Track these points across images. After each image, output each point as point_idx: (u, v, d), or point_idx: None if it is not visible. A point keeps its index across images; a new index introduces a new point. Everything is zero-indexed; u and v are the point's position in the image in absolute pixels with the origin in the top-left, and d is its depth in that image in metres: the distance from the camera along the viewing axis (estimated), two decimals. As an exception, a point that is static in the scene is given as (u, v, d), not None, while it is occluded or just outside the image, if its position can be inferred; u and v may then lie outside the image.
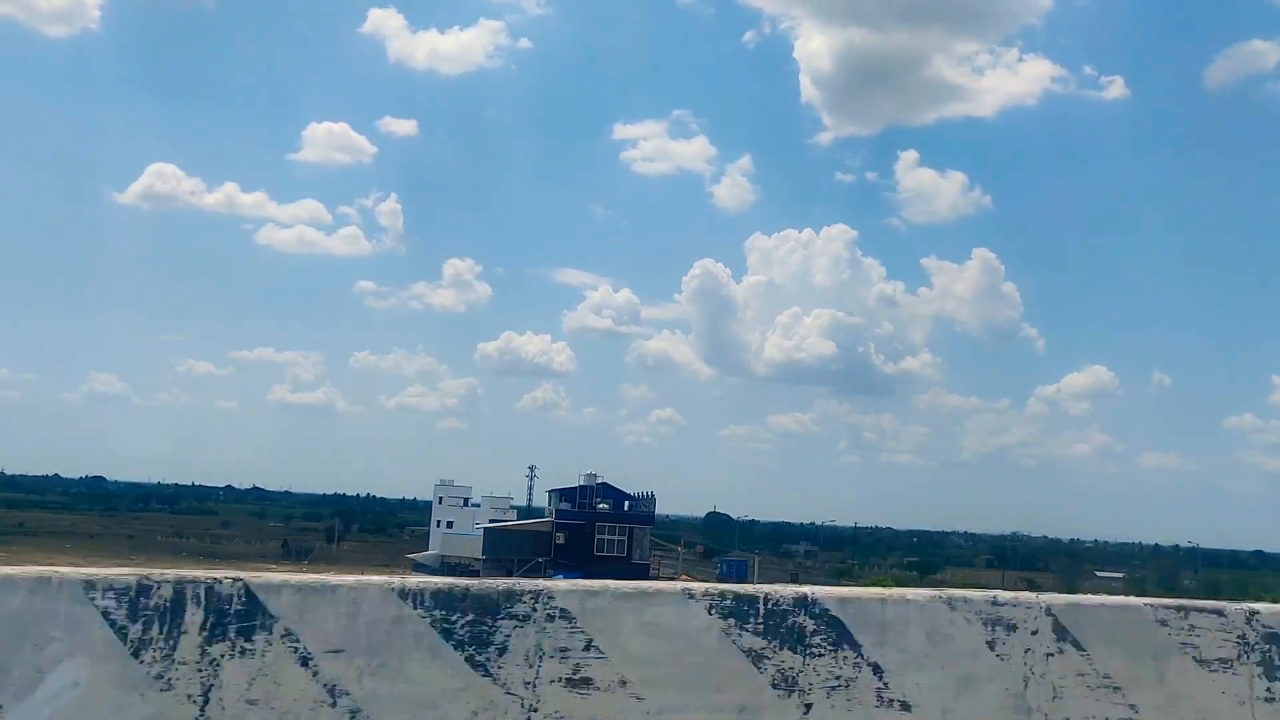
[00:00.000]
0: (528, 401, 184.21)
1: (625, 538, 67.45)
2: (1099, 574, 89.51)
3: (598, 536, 66.71)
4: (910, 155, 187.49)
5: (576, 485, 70.49)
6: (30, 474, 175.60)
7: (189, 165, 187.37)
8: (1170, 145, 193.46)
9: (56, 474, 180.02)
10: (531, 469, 79.30)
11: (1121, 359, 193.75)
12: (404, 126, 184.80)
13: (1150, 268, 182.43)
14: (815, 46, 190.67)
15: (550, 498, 72.62)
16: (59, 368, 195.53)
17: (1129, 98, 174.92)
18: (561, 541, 66.04)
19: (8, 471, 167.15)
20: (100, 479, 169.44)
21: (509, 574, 42.29)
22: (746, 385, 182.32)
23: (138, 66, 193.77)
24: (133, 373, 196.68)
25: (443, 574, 26.87)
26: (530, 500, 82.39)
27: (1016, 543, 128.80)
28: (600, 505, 68.63)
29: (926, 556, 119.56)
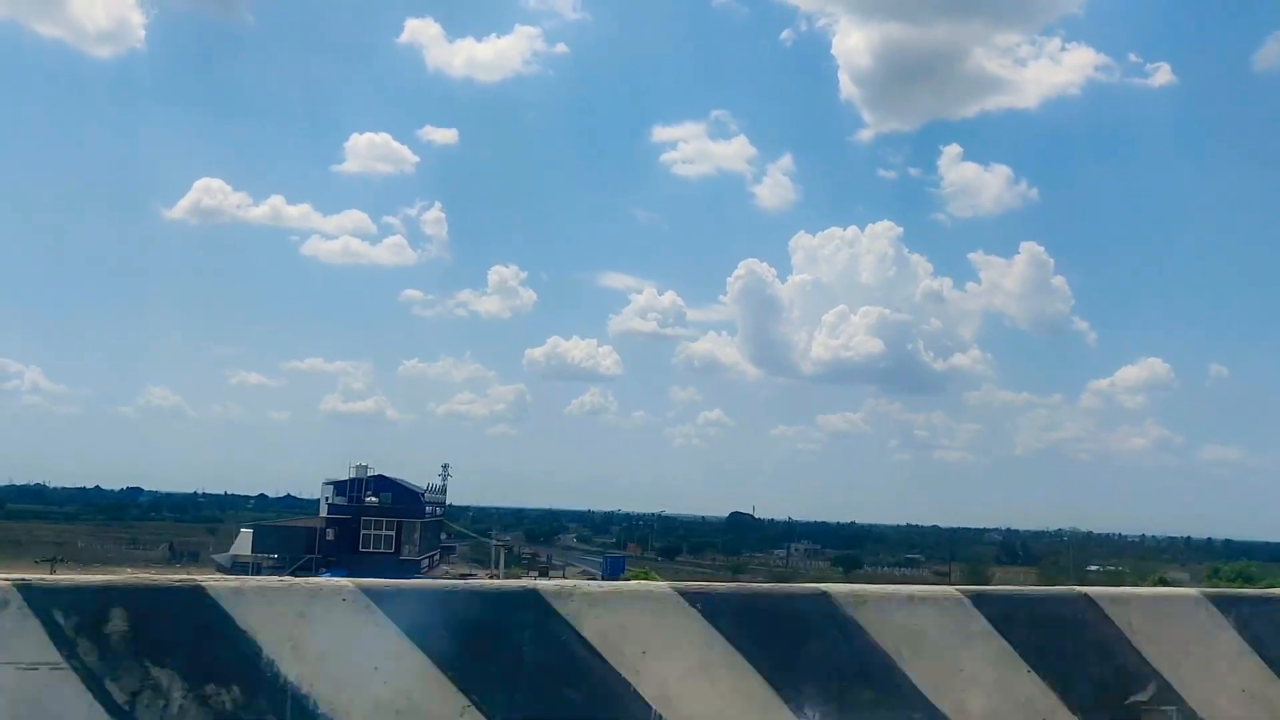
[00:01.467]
0: (576, 406, 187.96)
1: (394, 532, 64.43)
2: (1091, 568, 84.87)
3: (364, 531, 63.94)
4: (953, 150, 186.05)
5: (349, 478, 66.22)
6: (74, 486, 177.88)
7: (235, 179, 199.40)
8: (1219, 132, 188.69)
9: (98, 486, 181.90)
10: (445, 467, 75.69)
11: (1176, 351, 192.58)
12: (445, 135, 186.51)
13: (1202, 257, 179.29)
14: (853, 43, 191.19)
15: (324, 490, 69.09)
16: (115, 382, 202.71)
17: (1176, 85, 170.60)
18: (331, 537, 63.17)
19: (52, 485, 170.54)
20: (138, 489, 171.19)
21: (283, 572, 41.36)
22: (794, 385, 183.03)
23: (183, 83, 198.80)
24: (187, 385, 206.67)
25: (234, 573, 24.89)
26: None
27: (1056, 540, 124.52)
28: (370, 499, 65.31)
29: (935, 554, 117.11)
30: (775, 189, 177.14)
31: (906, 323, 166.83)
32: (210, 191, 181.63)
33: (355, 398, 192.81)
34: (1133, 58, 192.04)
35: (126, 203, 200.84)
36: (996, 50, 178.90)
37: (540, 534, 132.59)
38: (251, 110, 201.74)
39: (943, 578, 78.62)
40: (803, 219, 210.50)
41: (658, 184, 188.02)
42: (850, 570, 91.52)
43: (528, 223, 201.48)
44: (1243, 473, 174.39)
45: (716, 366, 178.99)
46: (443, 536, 77.15)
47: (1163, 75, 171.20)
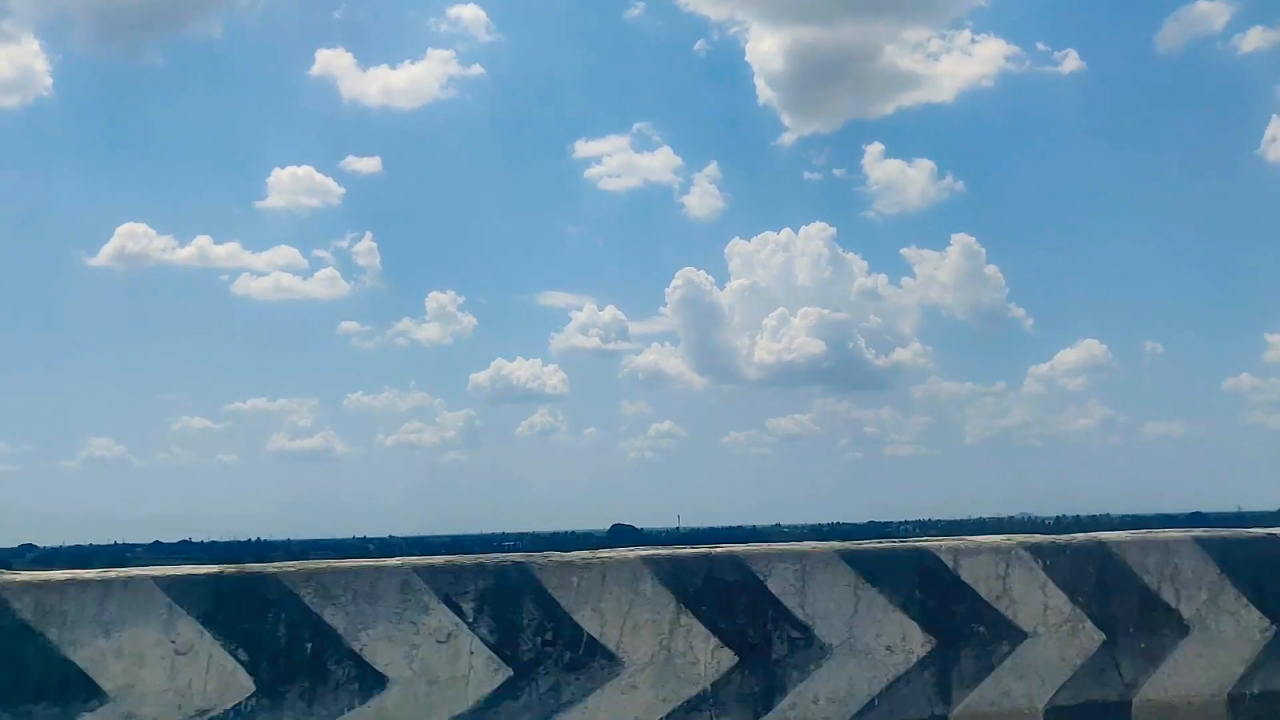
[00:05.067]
0: (525, 428, 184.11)
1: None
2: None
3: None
4: (875, 148, 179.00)
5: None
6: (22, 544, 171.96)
7: (159, 223, 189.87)
8: (1130, 113, 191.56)
9: (30, 543, 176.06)
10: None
11: (1112, 331, 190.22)
12: (368, 165, 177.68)
13: (1128, 236, 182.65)
14: (765, 48, 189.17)
15: None
16: (56, 436, 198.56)
17: (1085, 70, 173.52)
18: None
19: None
20: (30, 546, 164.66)
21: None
22: (741, 391, 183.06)
23: (95, 129, 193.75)
24: (130, 434, 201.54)
25: None
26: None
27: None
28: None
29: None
30: (704, 197, 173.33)
31: (846, 321, 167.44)
32: (134, 236, 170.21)
33: (302, 435, 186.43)
34: (1041, 46, 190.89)
35: (48, 254, 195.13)
36: (907, 46, 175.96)
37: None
38: (169, 152, 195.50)
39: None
40: (734, 225, 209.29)
41: (586, 199, 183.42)
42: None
43: (460, 247, 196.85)
44: (1186, 446, 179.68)
45: (662, 378, 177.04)
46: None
47: (1071, 62, 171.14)
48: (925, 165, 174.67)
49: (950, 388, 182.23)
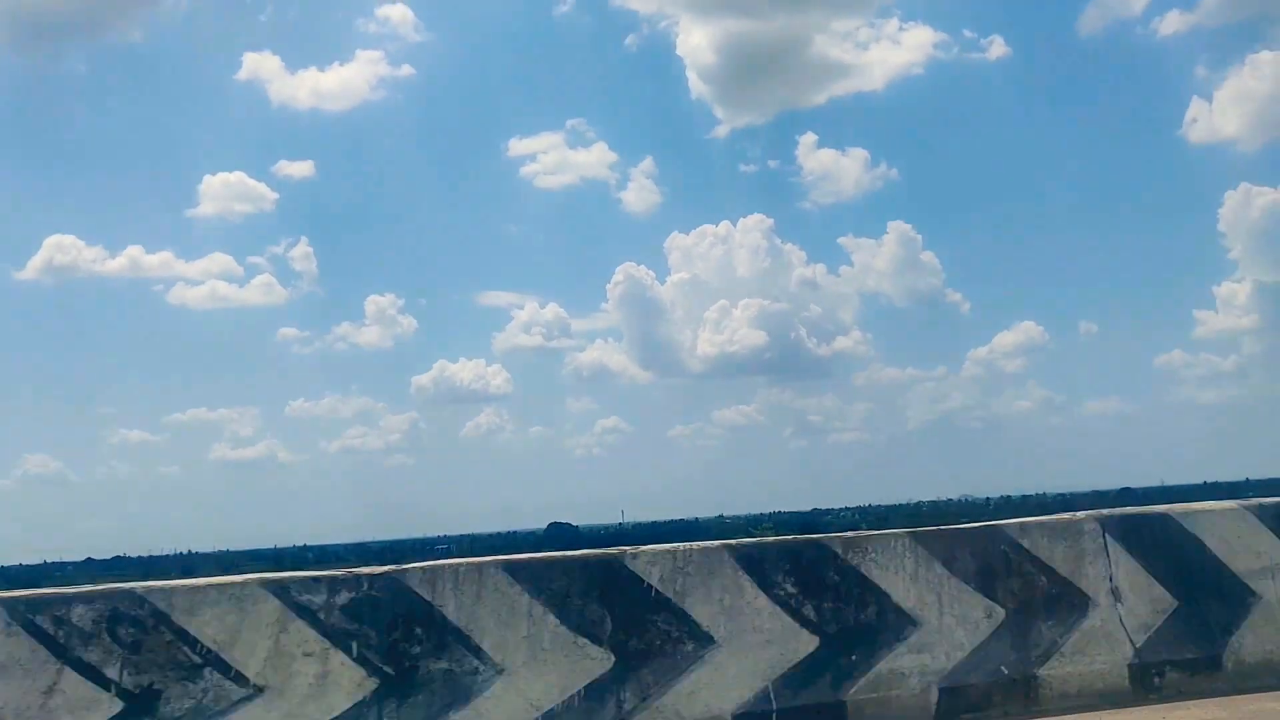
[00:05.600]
0: (471, 429, 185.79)
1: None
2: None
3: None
4: (809, 138, 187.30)
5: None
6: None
7: (88, 234, 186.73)
8: (1056, 96, 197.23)
9: None
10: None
11: (1047, 312, 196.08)
12: (300, 169, 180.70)
13: (1060, 218, 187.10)
14: (696, 41, 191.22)
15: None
16: None
17: (1010, 55, 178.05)
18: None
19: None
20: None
21: None
22: (685, 384, 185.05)
23: (18, 140, 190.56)
24: (67, 450, 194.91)
25: None
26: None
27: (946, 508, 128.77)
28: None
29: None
30: (641, 192, 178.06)
31: (786, 311, 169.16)
32: (62, 248, 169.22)
33: (244, 444, 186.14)
34: (967, 33, 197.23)
35: None
36: (837, 36, 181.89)
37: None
38: (95, 161, 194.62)
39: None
40: (673, 219, 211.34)
41: (523, 197, 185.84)
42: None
43: (398, 249, 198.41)
44: (1122, 423, 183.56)
45: (606, 374, 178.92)
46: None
47: (997, 48, 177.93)
48: (859, 154, 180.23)
49: (891, 374, 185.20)
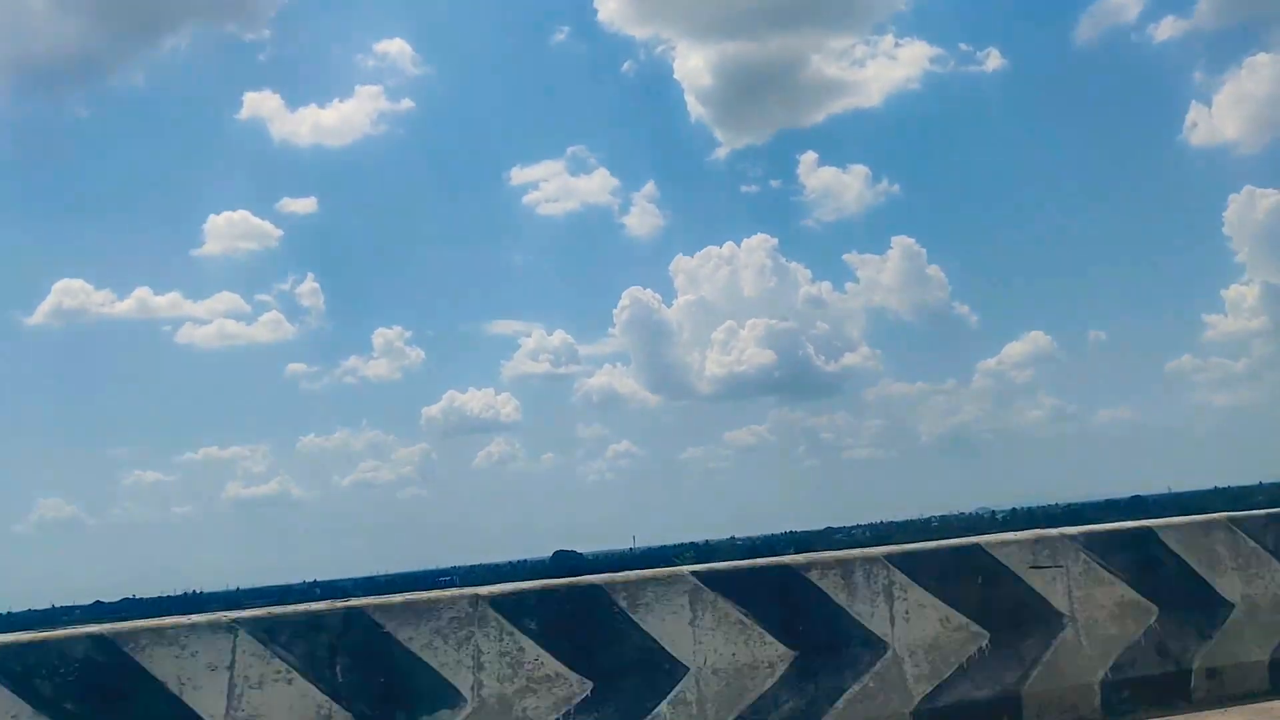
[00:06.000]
0: (483, 458, 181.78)
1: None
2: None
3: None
4: (809, 156, 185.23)
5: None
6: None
7: (95, 277, 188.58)
8: (1055, 106, 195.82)
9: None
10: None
11: (1055, 321, 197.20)
12: (304, 205, 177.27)
13: (1063, 228, 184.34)
14: (693, 65, 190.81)
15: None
16: (4, 501, 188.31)
17: (1007, 67, 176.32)
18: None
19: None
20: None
21: None
22: (695, 406, 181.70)
23: (23, 187, 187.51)
24: (80, 493, 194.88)
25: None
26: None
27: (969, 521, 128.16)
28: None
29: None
30: (643, 216, 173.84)
31: (794, 330, 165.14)
32: (71, 293, 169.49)
33: (257, 481, 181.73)
34: (963, 46, 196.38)
35: None
36: (833, 55, 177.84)
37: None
38: (100, 206, 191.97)
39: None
40: (677, 242, 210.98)
41: (526, 226, 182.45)
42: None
43: (404, 281, 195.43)
44: (1135, 429, 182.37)
45: (616, 399, 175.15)
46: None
47: (994, 60, 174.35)
48: (859, 170, 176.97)
49: (901, 388, 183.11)
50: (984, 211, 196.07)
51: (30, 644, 3.96)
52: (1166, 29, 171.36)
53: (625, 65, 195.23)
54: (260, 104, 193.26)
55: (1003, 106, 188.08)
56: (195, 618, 4.19)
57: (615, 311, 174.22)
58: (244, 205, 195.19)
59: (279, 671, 4.11)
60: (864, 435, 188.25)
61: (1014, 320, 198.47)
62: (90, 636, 4.00)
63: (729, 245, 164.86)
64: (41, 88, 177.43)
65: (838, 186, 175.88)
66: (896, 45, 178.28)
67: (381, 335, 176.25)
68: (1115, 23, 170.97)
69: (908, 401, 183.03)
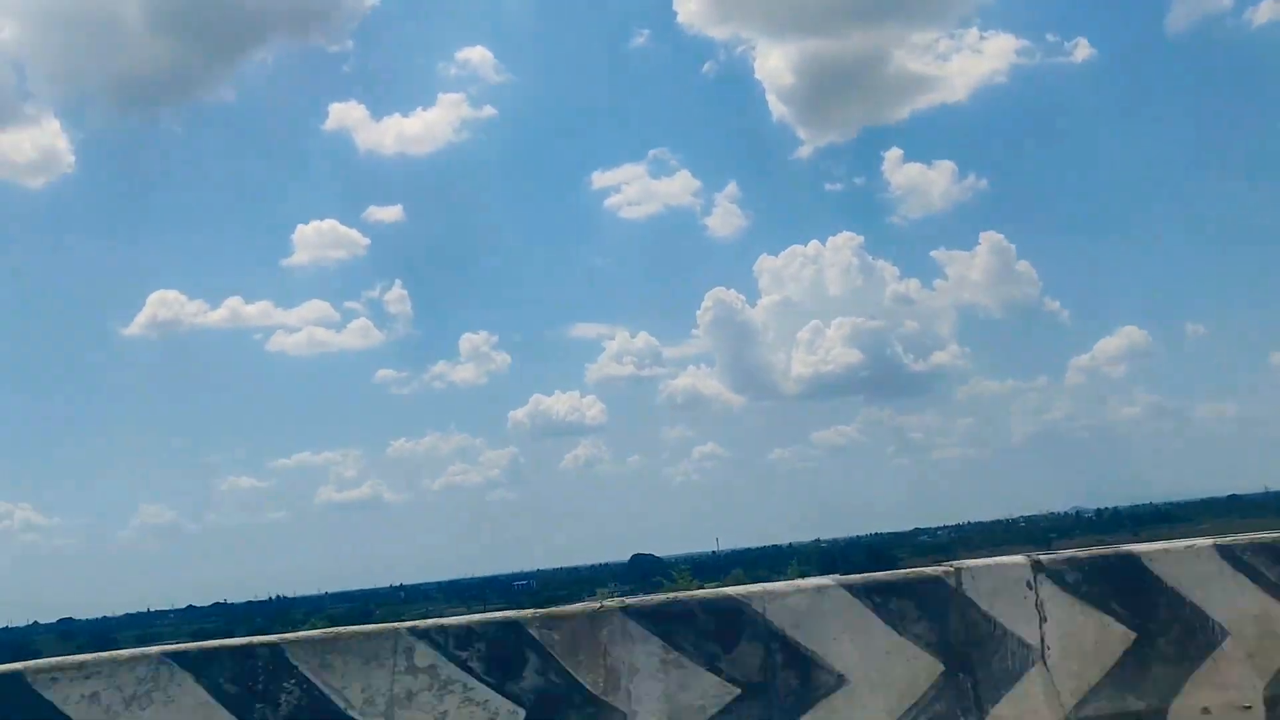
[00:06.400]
0: (570, 460, 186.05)
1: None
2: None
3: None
4: (894, 153, 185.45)
5: None
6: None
7: (189, 288, 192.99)
8: (1147, 96, 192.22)
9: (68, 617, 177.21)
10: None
11: (1149, 315, 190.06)
12: (390, 213, 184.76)
13: (1156, 220, 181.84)
14: (774, 64, 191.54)
15: None
16: (108, 508, 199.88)
17: (1096, 57, 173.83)
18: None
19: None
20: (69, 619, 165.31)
21: None
22: (781, 406, 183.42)
23: (119, 201, 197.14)
24: (179, 499, 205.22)
25: None
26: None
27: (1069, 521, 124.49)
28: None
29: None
30: (726, 217, 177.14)
31: (881, 329, 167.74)
32: (166, 303, 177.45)
33: (349, 485, 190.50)
34: (1050, 37, 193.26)
35: (83, 327, 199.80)
36: (916, 49, 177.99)
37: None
38: (193, 218, 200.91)
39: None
40: (760, 242, 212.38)
41: (609, 229, 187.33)
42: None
43: (489, 287, 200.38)
44: (1240, 425, 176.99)
45: (700, 400, 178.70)
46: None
47: (1082, 50, 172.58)
48: (946, 166, 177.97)
49: (992, 386, 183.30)
50: (1073, 204, 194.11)
51: None
52: (1265, 12, 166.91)
53: (706, 66, 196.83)
54: (345, 114, 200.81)
55: (1093, 98, 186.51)
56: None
57: (698, 313, 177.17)
58: (332, 214, 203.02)
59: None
60: (954, 434, 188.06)
61: (1107, 315, 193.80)
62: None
63: (814, 244, 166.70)
64: (137, 106, 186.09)
65: (924, 183, 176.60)
66: (981, 38, 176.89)
67: (468, 340, 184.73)
68: (1209, 10, 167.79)
69: (999, 399, 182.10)
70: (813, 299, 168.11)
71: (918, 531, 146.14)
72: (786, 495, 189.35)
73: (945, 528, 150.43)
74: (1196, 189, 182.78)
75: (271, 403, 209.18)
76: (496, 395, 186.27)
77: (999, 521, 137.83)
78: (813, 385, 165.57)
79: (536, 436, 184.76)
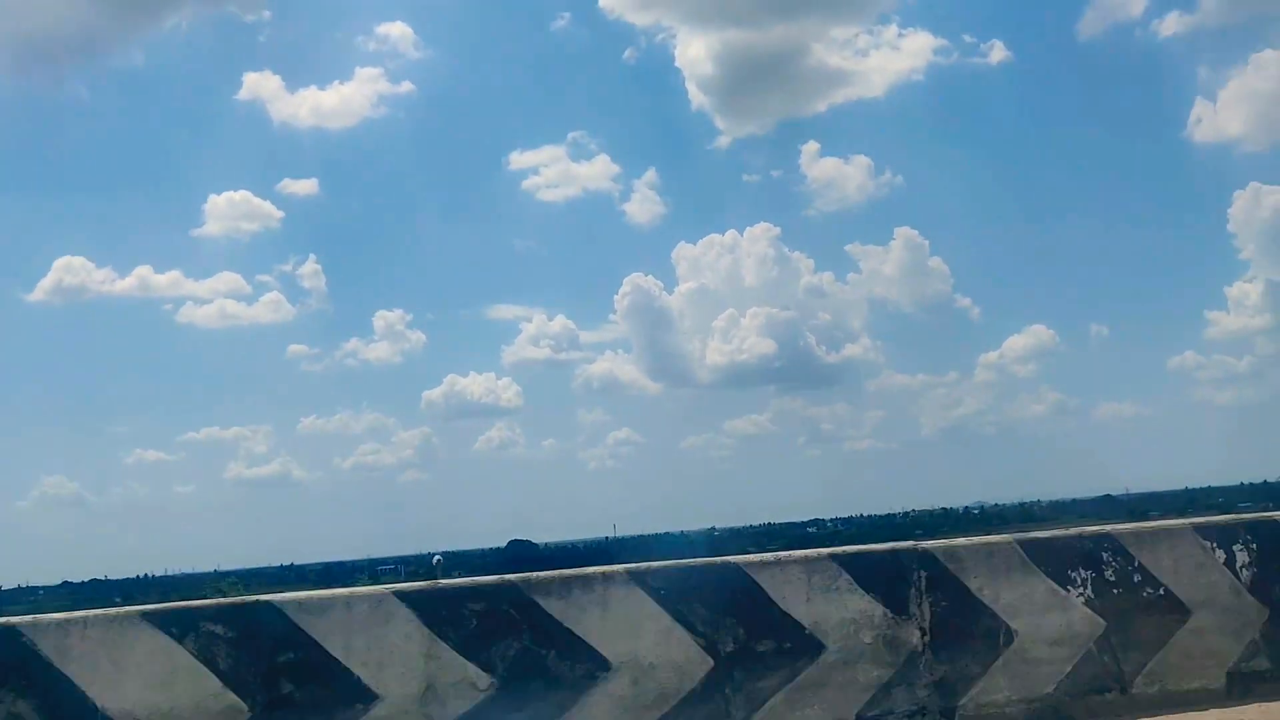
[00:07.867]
0: (483, 442, 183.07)
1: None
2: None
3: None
4: (811, 146, 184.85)
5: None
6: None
7: (96, 255, 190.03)
8: (1059, 100, 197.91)
9: None
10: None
11: (1057, 315, 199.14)
12: (304, 186, 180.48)
13: (1067, 221, 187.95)
14: (695, 53, 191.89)
15: None
16: (7, 478, 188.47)
17: (1012, 60, 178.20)
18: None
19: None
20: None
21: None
22: (696, 394, 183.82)
23: (24, 165, 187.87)
24: (83, 471, 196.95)
25: None
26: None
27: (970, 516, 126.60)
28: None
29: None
30: (644, 204, 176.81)
31: (795, 319, 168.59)
32: (71, 270, 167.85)
33: (259, 462, 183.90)
34: (967, 38, 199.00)
35: None
36: (835, 44, 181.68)
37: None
38: (101, 184, 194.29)
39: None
40: (678, 230, 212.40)
41: (527, 211, 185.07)
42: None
43: (404, 264, 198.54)
44: (1138, 425, 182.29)
45: (617, 385, 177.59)
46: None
47: (998, 52, 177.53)
48: (862, 161, 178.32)
49: (902, 380, 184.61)
50: (987, 204, 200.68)
51: None
52: (1171, 25, 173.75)
53: (627, 52, 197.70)
54: (259, 85, 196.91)
55: (1006, 99, 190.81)
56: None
57: (616, 298, 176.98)
58: (245, 186, 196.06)
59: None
60: (865, 426, 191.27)
61: (1016, 313, 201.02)
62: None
63: (731, 234, 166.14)
64: (42, 65, 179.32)
65: (840, 177, 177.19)
66: (900, 35, 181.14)
67: (382, 318, 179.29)
68: (1120, 19, 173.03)
69: (909, 393, 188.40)
70: (729, 288, 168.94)
71: (809, 523, 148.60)
72: (696, 483, 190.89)
73: (836, 520, 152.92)
74: (1105, 193, 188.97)
75: (180, 375, 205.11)
76: (410, 375, 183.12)
77: (890, 515, 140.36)
78: (727, 374, 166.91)
79: (450, 417, 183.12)
